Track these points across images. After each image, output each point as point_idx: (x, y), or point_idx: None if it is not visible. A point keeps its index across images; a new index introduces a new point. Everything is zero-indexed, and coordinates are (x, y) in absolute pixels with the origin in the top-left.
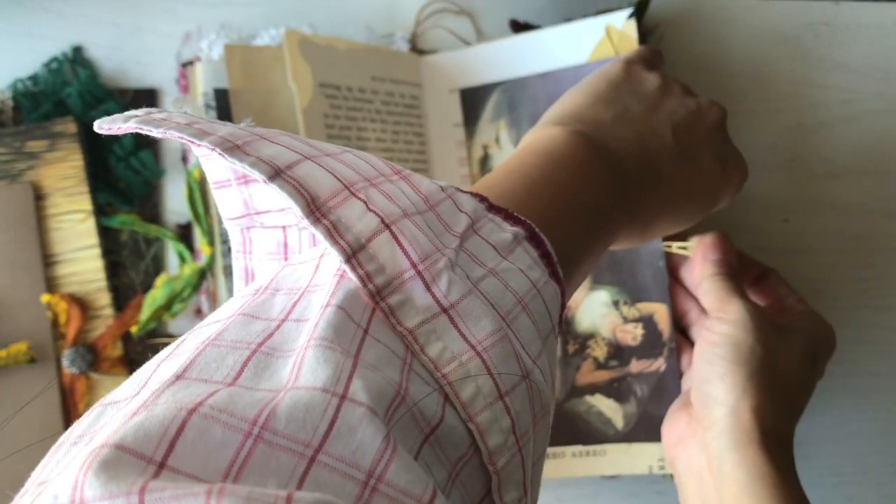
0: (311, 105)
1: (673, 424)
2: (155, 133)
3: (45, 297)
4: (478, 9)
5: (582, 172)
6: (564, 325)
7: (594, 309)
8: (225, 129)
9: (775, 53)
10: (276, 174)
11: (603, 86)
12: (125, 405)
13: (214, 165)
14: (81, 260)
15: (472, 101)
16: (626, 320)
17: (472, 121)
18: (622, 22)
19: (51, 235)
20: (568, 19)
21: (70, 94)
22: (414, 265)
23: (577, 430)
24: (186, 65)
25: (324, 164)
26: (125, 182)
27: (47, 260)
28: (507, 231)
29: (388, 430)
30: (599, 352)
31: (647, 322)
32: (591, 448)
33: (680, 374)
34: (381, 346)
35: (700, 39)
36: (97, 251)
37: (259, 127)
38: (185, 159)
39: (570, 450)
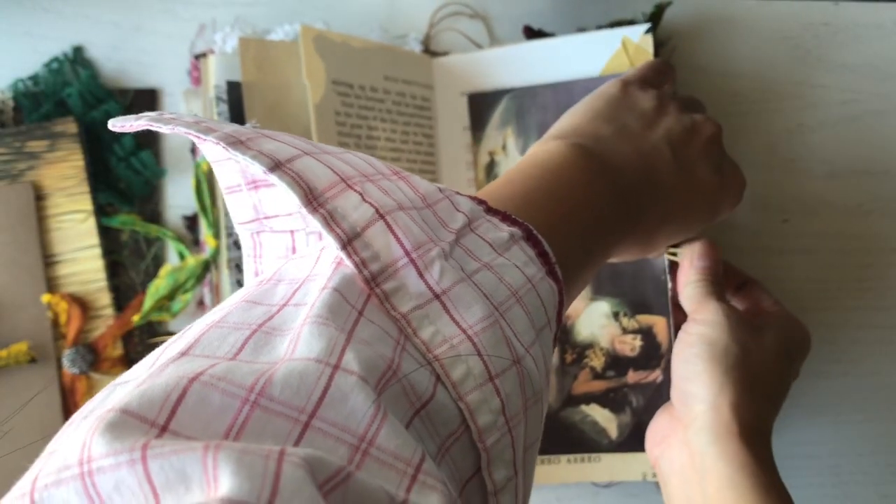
0: (324, 101)
1: (655, 426)
2: (164, 129)
3: (46, 297)
4: (492, 13)
5: (580, 182)
6: (563, 334)
7: (594, 319)
8: (230, 127)
9: (775, 54)
10: (275, 166)
11: (601, 104)
12: (134, 383)
13: (225, 171)
14: (82, 260)
15: (480, 106)
16: (625, 331)
17: (479, 127)
18: (639, 36)
19: (51, 235)
20: (581, 29)
21: (70, 95)
22: (407, 253)
23: (571, 439)
24: (199, 57)
25: (322, 159)
26: (126, 182)
27: (48, 260)
28: (504, 230)
29: (378, 397)
30: (597, 362)
31: (646, 334)
32: (585, 455)
33: None
34: (375, 326)
35: (706, 46)
36: (98, 251)
37: (269, 123)
38: (193, 151)
39: (564, 456)
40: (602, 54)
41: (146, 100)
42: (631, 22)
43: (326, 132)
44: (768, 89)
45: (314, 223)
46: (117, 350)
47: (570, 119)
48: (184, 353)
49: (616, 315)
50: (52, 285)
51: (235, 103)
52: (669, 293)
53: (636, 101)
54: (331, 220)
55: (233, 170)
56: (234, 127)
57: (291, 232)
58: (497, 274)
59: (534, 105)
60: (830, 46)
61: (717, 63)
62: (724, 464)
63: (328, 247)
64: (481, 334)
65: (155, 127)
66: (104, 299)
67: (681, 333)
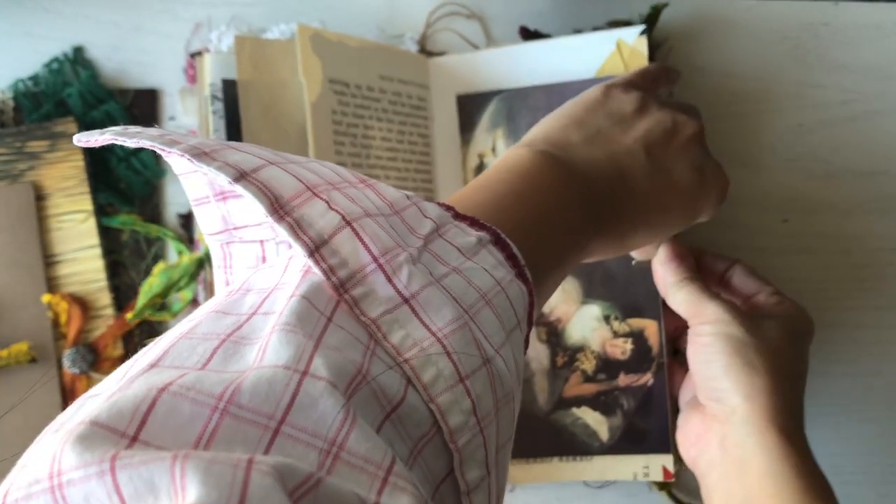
0: (320, 100)
1: (688, 427)
2: (129, 143)
3: (46, 297)
4: (488, 13)
5: (548, 188)
6: (554, 336)
7: (585, 323)
8: (195, 139)
9: (775, 54)
10: (241, 176)
11: (578, 109)
12: (104, 395)
13: (193, 183)
14: (82, 260)
15: (469, 108)
16: (616, 335)
17: (467, 129)
18: (634, 37)
19: (52, 235)
20: (578, 30)
21: (71, 95)
22: (375, 258)
23: (562, 442)
24: (195, 55)
25: (288, 169)
26: (126, 182)
27: (48, 260)
28: (472, 235)
29: (347, 402)
30: (588, 365)
31: (637, 337)
32: (576, 457)
33: (669, 394)
34: (345, 332)
35: (705, 46)
36: (98, 251)
37: (263, 121)
38: None
39: (555, 458)
40: (597, 56)
41: (146, 100)
42: (627, 23)
43: (322, 131)
44: (768, 89)
45: (282, 232)
46: (118, 350)
47: (543, 126)
48: (153, 365)
49: (607, 318)
50: (52, 285)
51: (231, 101)
52: (661, 297)
53: (616, 104)
54: (297, 229)
55: (200, 182)
56: (199, 139)
57: (261, 242)
58: (466, 277)
59: (524, 107)
60: (830, 46)
61: (717, 63)
62: (764, 454)
63: (296, 255)
64: (451, 336)
65: (120, 141)
66: (104, 299)
67: (691, 339)
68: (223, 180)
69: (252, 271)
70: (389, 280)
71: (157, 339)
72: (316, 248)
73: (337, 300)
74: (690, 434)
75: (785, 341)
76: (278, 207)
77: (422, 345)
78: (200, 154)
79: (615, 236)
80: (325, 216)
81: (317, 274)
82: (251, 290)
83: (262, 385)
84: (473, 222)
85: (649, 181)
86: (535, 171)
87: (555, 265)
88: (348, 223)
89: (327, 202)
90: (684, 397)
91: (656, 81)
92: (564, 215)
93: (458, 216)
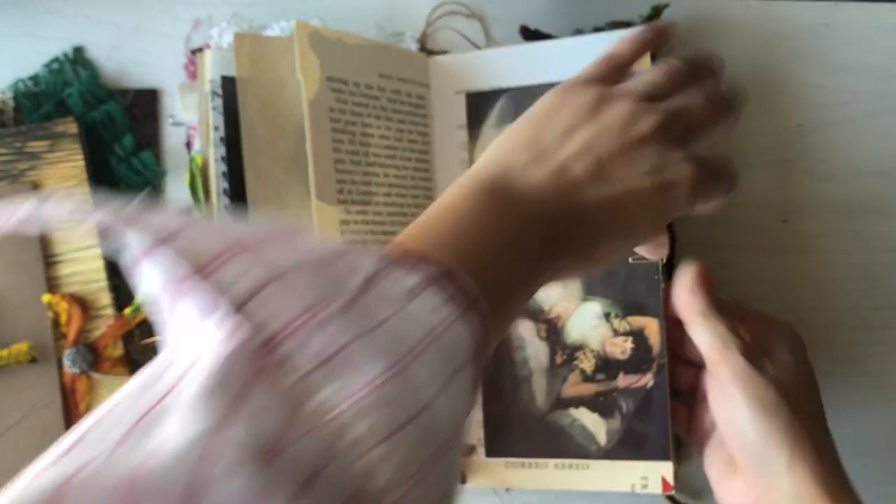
0: (318, 98)
1: (731, 491)
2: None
3: (46, 297)
4: (488, 13)
5: (493, 215)
6: (554, 335)
7: (585, 320)
8: (104, 213)
9: (775, 53)
10: (158, 243)
11: (527, 125)
12: (18, 486)
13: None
14: (82, 260)
15: (478, 105)
16: (616, 333)
17: (475, 125)
18: None
19: (52, 235)
20: (578, 30)
21: (71, 95)
22: (295, 318)
23: (559, 444)
24: (196, 51)
25: (208, 230)
26: (126, 182)
27: (48, 260)
28: (413, 277)
29: (264, 473)
30: (587, 364)
31: (638, 336)
32: (573, 461)
33: (665, 400)
34: (265, 397)
35: (705, 46)
36: (98, 251)
37: (262, 118)
38: (188, 145)
39: (552, 461)
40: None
41: (146, 100)
42: (628, 24)
43: (320, 129)
44: (768, 89)
45: (199, 299)
46: (118, 350)
47: (493, 149)
48: (68, 451)
49: (607, 316)
50: (52, 285)
51: (230, 98)
52: (661, 294)
53: (567, 111)
54: (215, 293)
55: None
56: (107, 208)
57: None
58: (401, 324)
59: (530, 105)
60: (830, 47)
61: None
62: None
63: (217, 321)
64: (381, 388)
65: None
66: (104, 299)
67: (714, 386)
68: (136, 247)
69: (180, 337)
70: (313, 338)
71: (91, 413)
72: (235, 311)
73: (257, 365)
74: (738, 499)
75: (802, 366)
76: (196, 272)
77: (350, 401)
78: (107, 227)
79: (579, 254)
80: (244, 277)
81: (236, 338)
82: (175, 361)
83: (170, 466)
84: (420, 259)
85: (602, 194)
86: (478, 201)
87: (512, 296)
88: (267, 283)
89: (246, 264)
90: (712, 467)
91: (626, 65)
92: (513, 244)
93: (399, 258)
